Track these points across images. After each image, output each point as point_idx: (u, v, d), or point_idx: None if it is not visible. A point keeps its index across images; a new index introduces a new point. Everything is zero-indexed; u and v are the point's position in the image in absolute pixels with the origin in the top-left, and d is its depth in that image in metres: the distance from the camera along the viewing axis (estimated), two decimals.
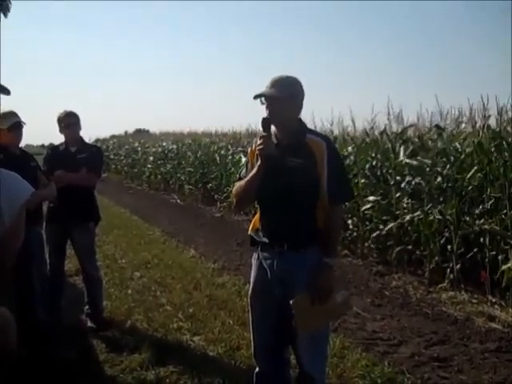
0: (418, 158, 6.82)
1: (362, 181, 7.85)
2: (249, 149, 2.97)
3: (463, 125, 7.35)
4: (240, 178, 2.90)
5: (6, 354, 2.11)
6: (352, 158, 8.31)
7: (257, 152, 2.69)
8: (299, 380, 2.91)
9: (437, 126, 7.22)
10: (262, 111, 2.75)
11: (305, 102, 2.81)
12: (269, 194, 2.75)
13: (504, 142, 5.96)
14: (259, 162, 2.68)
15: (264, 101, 2.73)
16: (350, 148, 8.56)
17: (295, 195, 2.68)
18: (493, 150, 6.06)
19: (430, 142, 7.22)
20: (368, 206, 7.47)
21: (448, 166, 6.49)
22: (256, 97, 2.74)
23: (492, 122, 6.55)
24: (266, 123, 2.70)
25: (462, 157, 6.61)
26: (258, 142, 2.68)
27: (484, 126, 6.49)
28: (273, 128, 2.76)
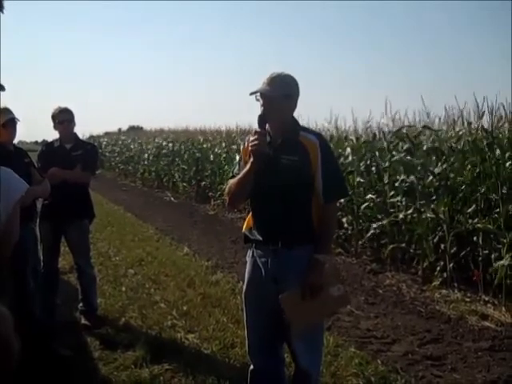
0: (410, 158, 6.86)
1: (358, 179, 7.87)
2: (241, 146, 2.97)
3: (457, 124, 7.36)
4: (233, 176, 2.89)
5: (5, 350, 2.10)
6: (350, 157, 8.30)
7: (250, 148, 2.68)
8: (296, 377, 2.92)
9: (425, 126, 7.25)
10: (257, 110, 2.75)
11: (303, 100, 2.83)
12: (263, 191, 2.74)
13: (496, 141, 5.99)
14: (252, 159, 2.68)
15: (259, 97, 2.73)
16: (348, 149, 8.55)
17: (289, 193, 2.69)
18: (486, 148, 6.08)
19: (423, 141, 7.26)
20: (364, 204, 7.49)
21: (440, 165, 6.52)
22: (252, 93, 2.74)
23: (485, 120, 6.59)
24: (261, 120, 2.69)
25: (455, 155, 6.64)
26: (252, 138, 2.67)
27: (478, 125, 6.52)
28: (267, 126, 2.75)
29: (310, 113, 9.43)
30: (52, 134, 4.94)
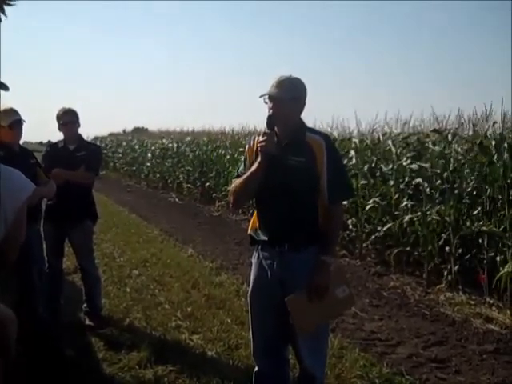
0: (418, 163, 6.85)
1: (362, 181, 7.86)
2: (247, 146, 2.97)
3: (465, 127, 7.35)
4: (238, 176, 2.89)
5: (6, 350, 2.11)
6: (353, 159, 8.28)
7: (258, 148, 2.69)
8: (300, 379, 2.92)
9: (435, 130, 7.26)
10: (260, 111, 2.75)
11: (306, 101, 2.82)
12: (269, 192, 2.75)
13: (505, 144, 5.96)
14: (259, 159, 2.68)
15: (267, 100, 2.74)
16: (352, 152, 8.54)
17: (296, 193, 2.69)
18: (494, 151, 6.06)
19: (430, 144, 7.24)
20: (368, 206, 7.47)
21: (448, 169, 6.50)
22: (261, 96, 2.75)
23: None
24: (271, 121, 2.71)
25: (462, 159, 6.61)
26: (261, 139, 2.68)
27: (487, 129, 6.51)
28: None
29: (310, 113, 9.35)
30: (52, 135, 4.95)
